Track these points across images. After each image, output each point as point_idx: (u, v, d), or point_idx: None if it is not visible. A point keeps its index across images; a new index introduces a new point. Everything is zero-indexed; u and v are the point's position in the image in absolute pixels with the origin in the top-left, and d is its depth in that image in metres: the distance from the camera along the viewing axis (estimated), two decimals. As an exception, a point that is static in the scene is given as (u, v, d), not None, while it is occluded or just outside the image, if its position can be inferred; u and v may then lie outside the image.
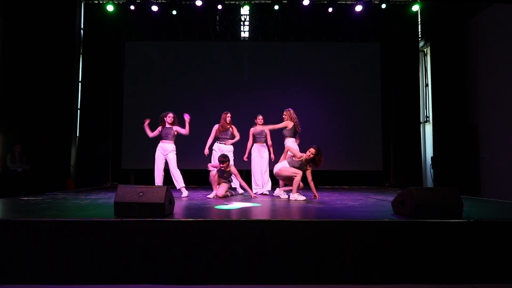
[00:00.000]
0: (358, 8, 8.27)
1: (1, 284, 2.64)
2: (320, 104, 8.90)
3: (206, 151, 5.86)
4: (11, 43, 8.11)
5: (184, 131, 5.50)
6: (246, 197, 5.26)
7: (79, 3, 8.81)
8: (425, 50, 9.26)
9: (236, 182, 5.73)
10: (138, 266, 2.72)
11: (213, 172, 5.19)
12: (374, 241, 2.82)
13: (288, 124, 5.67)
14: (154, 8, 8.26)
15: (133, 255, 2.73)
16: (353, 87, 8.92)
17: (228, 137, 5.88)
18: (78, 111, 8.82)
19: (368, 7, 8.31)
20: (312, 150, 4.93)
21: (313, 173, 5.02)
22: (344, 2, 8.62)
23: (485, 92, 7.71)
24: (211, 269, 2.73)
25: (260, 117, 6.04)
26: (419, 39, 9.14)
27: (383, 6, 8.17)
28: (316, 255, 2.77)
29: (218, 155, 5.39)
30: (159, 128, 5.51)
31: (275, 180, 5.75)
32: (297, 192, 4.94)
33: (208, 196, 5.16)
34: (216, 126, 5.92)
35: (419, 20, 9.20)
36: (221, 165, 5.14)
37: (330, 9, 8.29)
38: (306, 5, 8.10)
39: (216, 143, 5.92)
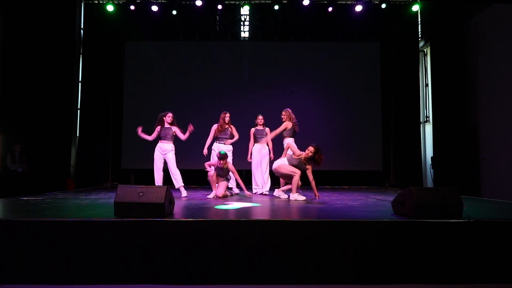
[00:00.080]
0: (358, 8, 8.27)
1: (1, 284, 2.64)
2: (320, 104, 8.90)
3: (205, 151, 5.86)
4: (11, 43, 8.11)
5: (183, 136, 5.46)
6: (242, 197, 5.26)
7: (79, 3, 8.81)
8: (425, 50, 9.26)
9: (233, 180, 5.73)
10: (138, 266, 2.72)
11: (211, 172, 5.19)
12: (374, 241, 2.82)
13: (288, 124, 5.67)
14: (154, 8, 8.26)
15: (133, 255, 2.73)
16: (353, 87, 8.92)
17: (227, 137, 5.87)
18: (78, 111, 8.82)
19: (368, 7, 8.31)
20: (311, 148, 4.90)
21: (313, 173, 5.00)
22: (344, 2, 8.62)
23: (485, 92, 7.70)
24: (211, 269, 2.73)
25: (260, 117, 6.03)
26: (419, 39, 9.14)
27: (383, 6, 8.17)
28: (316, 255, 2.77)
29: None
30: (158, 128, 5.43)
31: (275, 181, 5.75)
32: (297, 192, 4.94)
33: (207, 196, 5.16)
34: (215, 126, 5.90)
35: (419, 20, 9.19)
36: (220, 161, 5.12)
37: (330, 9, 8.29)
38: (306, 5, 8.10)
39: (215, 143, 5.91)
